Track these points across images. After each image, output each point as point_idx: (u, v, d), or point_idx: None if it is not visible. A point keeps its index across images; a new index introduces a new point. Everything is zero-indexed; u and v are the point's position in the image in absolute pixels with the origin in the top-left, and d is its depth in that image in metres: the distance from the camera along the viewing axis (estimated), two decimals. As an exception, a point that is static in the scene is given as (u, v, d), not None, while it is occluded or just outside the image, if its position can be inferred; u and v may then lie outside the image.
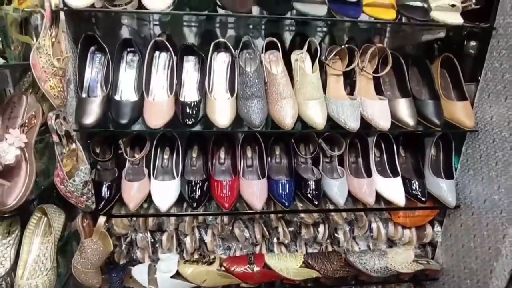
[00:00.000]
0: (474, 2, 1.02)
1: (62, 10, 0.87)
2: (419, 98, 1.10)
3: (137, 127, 1.02)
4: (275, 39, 1.02)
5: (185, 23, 1.20)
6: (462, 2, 1.01)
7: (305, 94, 1.00)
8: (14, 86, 1.00)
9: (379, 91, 1.11)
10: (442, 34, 1.22)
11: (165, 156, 1.16)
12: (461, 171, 1.17)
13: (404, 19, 1.01)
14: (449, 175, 1.16)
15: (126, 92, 1.04)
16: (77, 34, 0.98)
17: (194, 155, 1.18)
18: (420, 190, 1.13)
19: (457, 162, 1.18)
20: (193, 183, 1.06)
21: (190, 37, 1.25)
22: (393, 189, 1.12)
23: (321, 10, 0.93)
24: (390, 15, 0.96)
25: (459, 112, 1.06)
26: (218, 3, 0.90)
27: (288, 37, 1.28)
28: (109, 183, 1.05)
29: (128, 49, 1.07)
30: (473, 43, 1.19)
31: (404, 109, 1.04)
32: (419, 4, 0.99)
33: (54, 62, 0.83)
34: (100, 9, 0.89)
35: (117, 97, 1.02)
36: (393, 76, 1.16)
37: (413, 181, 1.14)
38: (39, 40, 0.82)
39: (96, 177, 1.09)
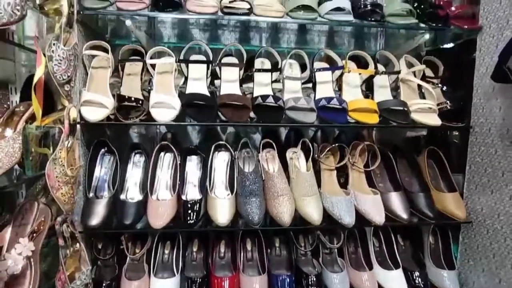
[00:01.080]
0: (449, 104, 1.14)
1: (79, 123, 0.98)
2: (410, 190, 1.14)
3: (139, 225, 1.05)
4: (270, 141, 1.11)
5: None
6: (438, 105, 1.13)
7: (300, 191, 1.06)
8: (27, 189, 1.07)
9: (371, 183, 1.16)
10: (424, 132, 1.32)
11: (166, 251, 1.17)
12: (461, 260, 1.17)
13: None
14: (450, 265, 1.16)
15: (132, 191, 1.10)
16: (89, 139, 1.08)
17: (195, 249, 1.19)
18: (422, 282, 1.12)
19: (457, 251, 1.19)
20: (193, 280, 1.06)
21: (193, 134, 1.35)
22: (395, 282, 1.11)
23: (310, 117, 1.03)
24: (373, 119, 1.05)
25: (450, 204, 1.10)
26: (220, 115, 1.01)
27: (283, 131, 1.39)
28: (109, 282, 1.05)
29: (136, 151, 1.16)
30: (455, 132, 1.28)
31: (397, 203, 1.08)
32: (399, 108, 1.09)
33: (67, 171, 0.90)
34: (114, 123, 0.99)
35: (122, 197, 1.07)
36: (383, 169, 1.22)
37: (414, 273, 1.13)
38: (56, 152, 0.90)
39: (97, 275, 1.10)
